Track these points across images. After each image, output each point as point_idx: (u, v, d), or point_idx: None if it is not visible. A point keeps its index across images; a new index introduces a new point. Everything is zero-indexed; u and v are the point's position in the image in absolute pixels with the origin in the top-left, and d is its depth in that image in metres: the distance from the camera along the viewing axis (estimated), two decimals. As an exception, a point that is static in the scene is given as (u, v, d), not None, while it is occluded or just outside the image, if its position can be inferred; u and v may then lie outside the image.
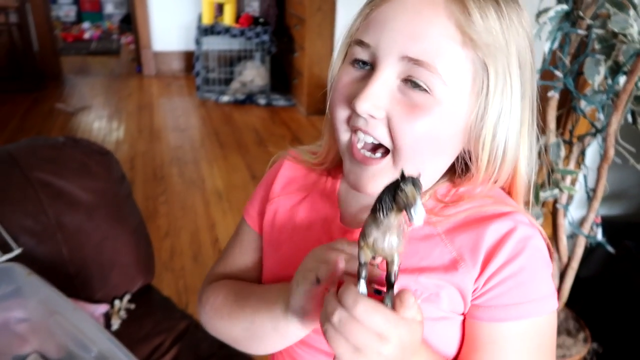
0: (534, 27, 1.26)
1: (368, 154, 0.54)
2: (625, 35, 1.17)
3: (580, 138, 1.41)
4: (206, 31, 4.11)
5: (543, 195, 1.41)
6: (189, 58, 4.78)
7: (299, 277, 0.53)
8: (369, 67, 0.54)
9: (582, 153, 1.43)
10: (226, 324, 0.67)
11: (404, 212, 0.42)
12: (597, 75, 1.22)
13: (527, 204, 0.60)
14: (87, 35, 6.33)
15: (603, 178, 1.36)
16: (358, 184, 0.56)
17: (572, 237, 1.51)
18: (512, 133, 0.53)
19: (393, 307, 0.44)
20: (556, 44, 1.32)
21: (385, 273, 0.46)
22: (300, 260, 0.60)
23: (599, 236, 1.46)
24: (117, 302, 1.23)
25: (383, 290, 0.46)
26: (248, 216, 0.72)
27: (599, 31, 1.23)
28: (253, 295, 0.64)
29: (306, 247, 0.62)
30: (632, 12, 1.15)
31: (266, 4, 4.39)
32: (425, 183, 0.57)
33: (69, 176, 1.22)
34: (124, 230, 1.27)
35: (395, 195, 0.42)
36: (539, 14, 1.27)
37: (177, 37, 4.83)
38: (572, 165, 1.43)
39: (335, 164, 0.66)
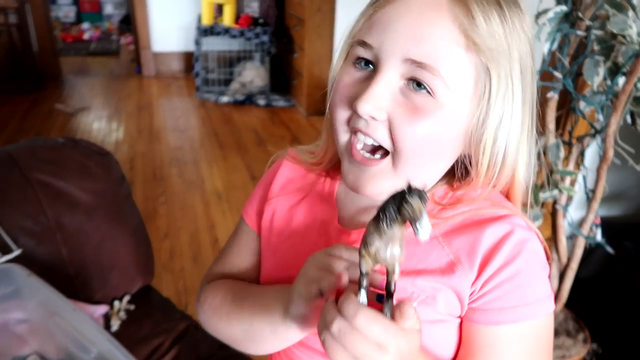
0: (533, 28, 1.26)
1: (367, 155, 0.54)
2: (624, 37, 1.17)
3: (580, 139, 1.41)
4: (206, 32, 4.11)
5: (542, 196, 1.41)
6: (189, 59, 4.78)
7: (300, 287, 0.53)
8: (371, 68, 0.54)
9: (582, 154, 1.44)
10: (224, 324, 0.67)
11: (408, 224, 0.41)
12: (596, 76, 1.22)
13: (524, 205, 0.60)
14: (86, 36, 6.33)
15: (602, 179, 1.36)
16: (356, 185, 0.56)
17: (572, 237, 1.51)
18: (512, 138, 0.53)
19: (392, 317, 0.44)
20: (555, 45, 1.32)
21: (384, 279, 0.45)
22: (297, 261, 0.60)
23: (599, 237, 1.46)
24: (116, 303, 1.23)
25: (383, 293, 0.46)
26: (247, 216, 0.72)
27: (598, 32, 1.24)
28: (251, 296, 0.64)
29: (304, 248, 0.62)
30: (631, 13, 1.15)
31: (266, 5, 4.40)
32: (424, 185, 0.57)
33: (68, 177, 1.22)
34: (123, 231, 1.27)
35: (400, 207, 0.41)
36: (538, 15, 1.27)
37: (176, 37, 4.83)
38: (571, 166, 1.43)
39: (334, 165, 0.66)
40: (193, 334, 1.19)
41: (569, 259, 1.50)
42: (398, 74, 0.51)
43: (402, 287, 0.52)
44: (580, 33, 1.27)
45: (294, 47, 4.04)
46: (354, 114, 0.53)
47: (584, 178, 1.45)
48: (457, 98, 0.51)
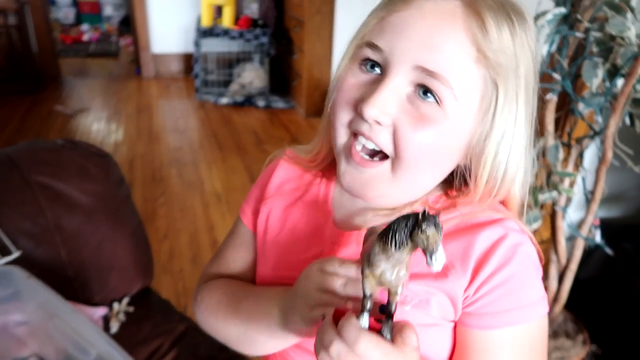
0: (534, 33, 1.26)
1: (366, 157, 0.54)
2: (622, 38, 1.18)
3: (579, 140, 1.41)
4: (205, 33, 4.11)
5: (541, 197, 1.42)
6: (188, 60, 4.78)
7: (303, 310, 0.52)
8: (378, 72, 0.53)
9: (581, 155, 1.44)
10: (221, 325, 0.67)
11: (420, 250, 0.40)
12: (595, 78, 1.22)
13: (522, 208, 0.60)
14: (86, 37, 6.33)
15: (601, 180, 1.36)
16: (353, 187, 0.55)
17: (571, 239, 1.51)
18: (513, 153, 0.53)
19: (392, 338, 0.43)
20: (554, 47, 1.33)
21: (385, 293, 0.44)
22: (292, 262, 0.61)
23: (598, 238, 1.47)
24: (115, 305, 1.23)
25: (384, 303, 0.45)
26: (244, 215, 0.72)
27: (597, 34, 1.24)
28: (246, 299, 0.64)
29: (298, 248, 0.62)
30: (629, 15, 1.15)
31: (265, 6, 4.40)
32: (418, 193, 0.57)
33: (67, 179, 1.22)
34: (122, 233, 1.27)
35: (412, 233, 0.40)
36: (537, 17, 1.28)
37: (176, 39, 4.84)
38: (570, 168, 1.43)
39: (329, 165, 0.65)
40: (192, 335, 1.19)
41: (568, 261, 1.50)
42: (407, 80, 0.51)
43: None
44: (579, 35, 1.28)
45: (294, 49, 4.04)
46: (357, 117, 0.53)
47: (583, 179, 1.45)
48: (463, 110, 0.51)
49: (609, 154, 1.31)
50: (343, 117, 0.54)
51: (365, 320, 0.44)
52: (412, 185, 0.55)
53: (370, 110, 0.50)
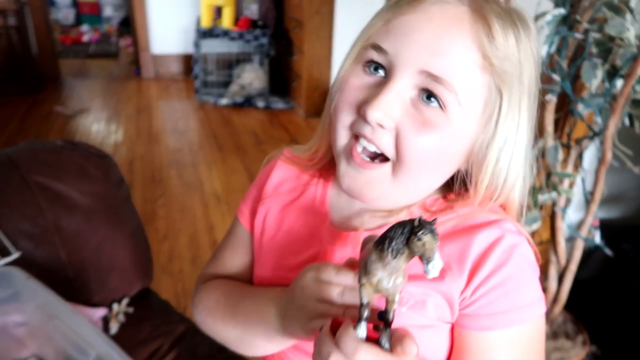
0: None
1: (366, 159, 0.54)
2: (622, 39, 1.18)
3: (578, 141, 1.41)
4: (205, 34, 4.11)
5: (541, 198, 1.42)
6: (188, 61, 4.78)
7: (302, 320, 0.51)
8: (381, 74, 0.53)
9: (580, 156, 1.44)
10: (219, 326, 0.67)
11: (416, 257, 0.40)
12: (594, 79, 1.22)
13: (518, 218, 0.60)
14: (85, 38, 6.33)
15: (601, 181, 1.36)
16: (352, 188, 0.55)
17: (570, 240, 1.51)
18: (515, 160, 0.54)
19: (391, 347, 0.43)
20: (553, 48, 1.33)
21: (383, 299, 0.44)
22: (289, 262, 0.61)
23: (597, 239, 1.47)
24: (115, 306, 1.23)
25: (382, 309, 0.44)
26: (241, 215, 0.72)
27: (596, 35, 1.24)
28: (244, 300, 0.64)
29: (295, 248, 0.62)
30: (628, 16, 1.15)
31: (265, 7, 4.40)
32: (417, 196, 0.57)
33: (67, 179, 1.22)
34: (122, 234, 1.27)
35: (409, 240, 0.40)
36: (537, 18, 1.28)
37: (175, 40, 4.84)
38: (569, 169, 1.43)
39: (327, 165, 0.65)
40: (192, 336, 1.19)
41: (568, 261, 1.50)
42: (411, 84, 0.50)
43: None
44: (579, 36, 1.28)
45: (293, 49, 4.04)
46: (359, 119, 0.52)
47: (583, 180, 1.46)
48: (466, 116, 0.51)
49: (609, 155, 1.32)
50: (345, 118, 0.54)
51: (363, 329, 0.43)
52: (412, 189, 0.55)
53: (374, 113, 0.50)
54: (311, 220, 0.63)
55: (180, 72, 4.94)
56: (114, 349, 0.77)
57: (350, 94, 0.53)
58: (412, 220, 0.40)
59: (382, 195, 0.55)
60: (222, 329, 0.67)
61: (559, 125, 1.48)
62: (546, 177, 1.43)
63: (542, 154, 1.40)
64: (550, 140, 1.39)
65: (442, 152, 0.52)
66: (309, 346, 0.59)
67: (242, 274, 0.71)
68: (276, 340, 0.58)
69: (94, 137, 3.49)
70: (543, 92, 1.36)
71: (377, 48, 0.52)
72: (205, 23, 4.14)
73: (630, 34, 1.15)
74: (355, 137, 0.54)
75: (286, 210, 0.66)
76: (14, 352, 0.88)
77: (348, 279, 0.47)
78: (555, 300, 1.55)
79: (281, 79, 4.45)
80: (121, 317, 1.21)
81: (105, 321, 1.19)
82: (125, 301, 1.25)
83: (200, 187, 2.85)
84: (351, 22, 3.62)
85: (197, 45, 4.16)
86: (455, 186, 0.57)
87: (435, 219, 0.41)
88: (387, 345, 0.43)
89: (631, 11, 1.16)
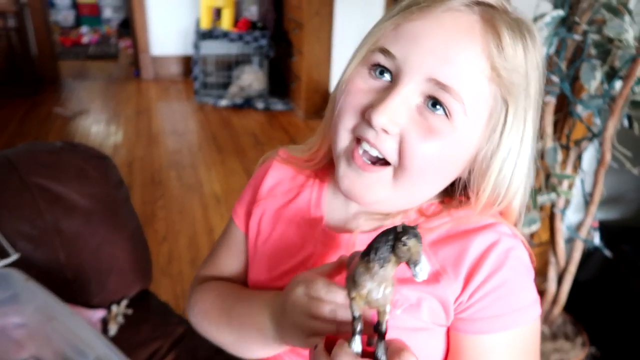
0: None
1: (367, 162, 0.53)
2: (620, 41, 1.18)
3: (577, 142, 1.41)
4: (204, 35, 4.11)
5: (540, 199, 1.42)
6: (187, 62, 4.78)
7: (295, 335, 0.51)
8: (387, 78, 0.52)
9: (579, 157, 1.44)
10: (214, 330, 0.67)
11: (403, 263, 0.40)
12: (593, 80, 1.23)
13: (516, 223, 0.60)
14: (85, 40, 6.33)
15: (600, 182, 1.36)
16: (351, 190, 0.55)
17: (570, 241, 1.51)
18: (518, 171, 0.54)
19: (386, 358, 0.43)
20: (552, 49, 1.33)
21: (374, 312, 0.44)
22: (284, 264, 0.60)
23: (597, 240, 1.47)
24: (114, 308, 1.23)
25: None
26: (236, 216, 0.72)
27: (595, 36, 1.24)
28: (239, 303, 0.64)
29: (290, 250, 0.62)
30: (627, 17, 1.16)
31: (264, 9, 4.40)
32: (416, 201, 0.57)
33: (66, 181, 1.22)
34: (121, 235, 1.27)
35: (394, 247, 0.40)
36: (535, 20, 1.28)
37: (175, 41, 4.84)
38: (569, 170, 1.43)
39: (324, 166, 0.65)
40: (191, 338, 1.19)
41: (567, 263, 1.50)
42: (418, 90, 0.50)
43: None
44: (577, 37, 1.28)
45: (293, 51, 4.04)
46: (363, 122, 0.52)
47: (582, 181, 1.46)
48: (471, 125, 0.51)
49: (608, 156, 1.32)
50: (348, 121, 0.53)
51: (357, 344, 0.43)
52: (411, 194, 0.55)
53: (379, 118, 0.49)
54: (306, 223, 0.63)
55: (180, 73, 4.94)
56: (113, 351, 0.77)
57: (355, 97, 0.53)
58: (394, 228, 0.41)
59: (380, 199, 0.55)
60: (217, 332, 0.67)
61: (558, 126, 1.48)
62: (545, 179, 1.43)
63: (541, 155, 1.40)
64: (549, 142, 1.39)
65: (444, 159, 0.52)
66: (305, 350, 0.59)
67: (237, 275, 0.71)
68: (272, 347, 0.58)
69: (94, 138, 3.49)
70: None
71: (385, 52, 0.52)
72: (205, 24, 4.14)
73: (629, 36, 1.16)
74: (357, 140, 0.53)
75: (281, 213, 0.65)
76: (12, 354, 0.88)
77: (339, 296, 0.47)
78: (554, 301, 1.55)
79: (280, 81, 4.45)
80: (120, 319, 1.21)
81: (104, 323, 1.19)
82: (124, 303, 1.25)
83: (200, 188, 2.85)
84: (351, 24, 3.63)
85: (196, 46, 4.16)
86: (457, 193, 0.57)
87: (417, 224, 0.41)
88: (383, 358, 0.42)
89: (630, 13, 1.16)
